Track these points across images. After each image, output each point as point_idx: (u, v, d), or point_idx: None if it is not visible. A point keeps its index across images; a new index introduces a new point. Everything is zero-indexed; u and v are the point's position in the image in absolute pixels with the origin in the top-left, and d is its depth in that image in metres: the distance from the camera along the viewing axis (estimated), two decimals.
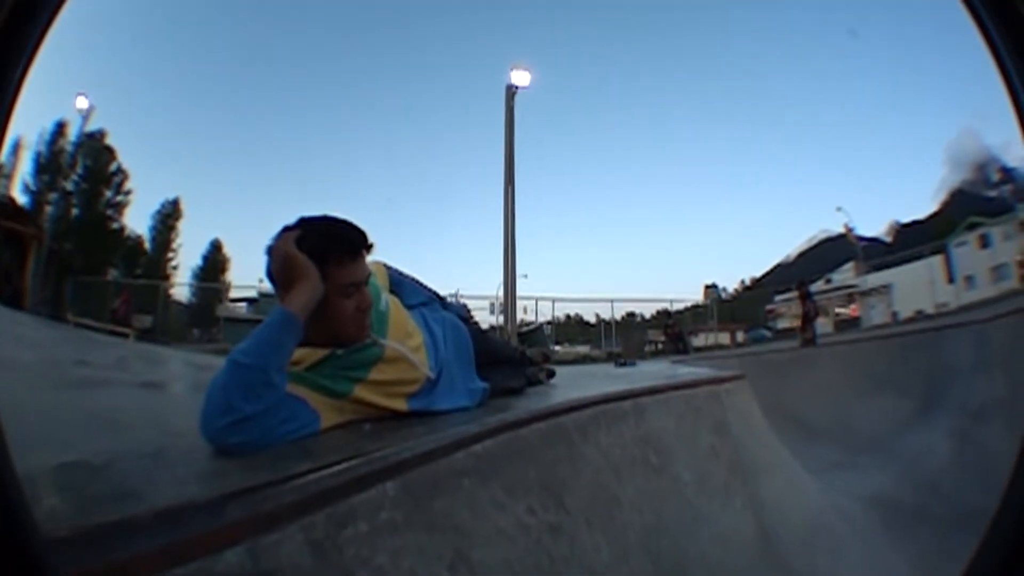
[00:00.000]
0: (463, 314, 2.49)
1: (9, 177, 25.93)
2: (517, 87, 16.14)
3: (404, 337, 1.88)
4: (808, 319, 14.01)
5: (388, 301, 1.95)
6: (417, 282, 2.43)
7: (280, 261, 1.54)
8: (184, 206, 36.85)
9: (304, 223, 1.64)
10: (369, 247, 1.70)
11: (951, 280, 25.76)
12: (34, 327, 5.12)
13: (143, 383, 2.91)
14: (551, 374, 3.04)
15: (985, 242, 31.01)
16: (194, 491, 1.01)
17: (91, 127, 28.55)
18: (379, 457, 1.19)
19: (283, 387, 1.41)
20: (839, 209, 57.41)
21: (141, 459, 1.30)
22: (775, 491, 3.24)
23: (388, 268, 2.34)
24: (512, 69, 16.24)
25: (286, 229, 1.62)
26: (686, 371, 4.19)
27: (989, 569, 0.76)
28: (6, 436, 0.65)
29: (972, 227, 32.71)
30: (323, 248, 1.57)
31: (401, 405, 1.81)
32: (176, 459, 1.29)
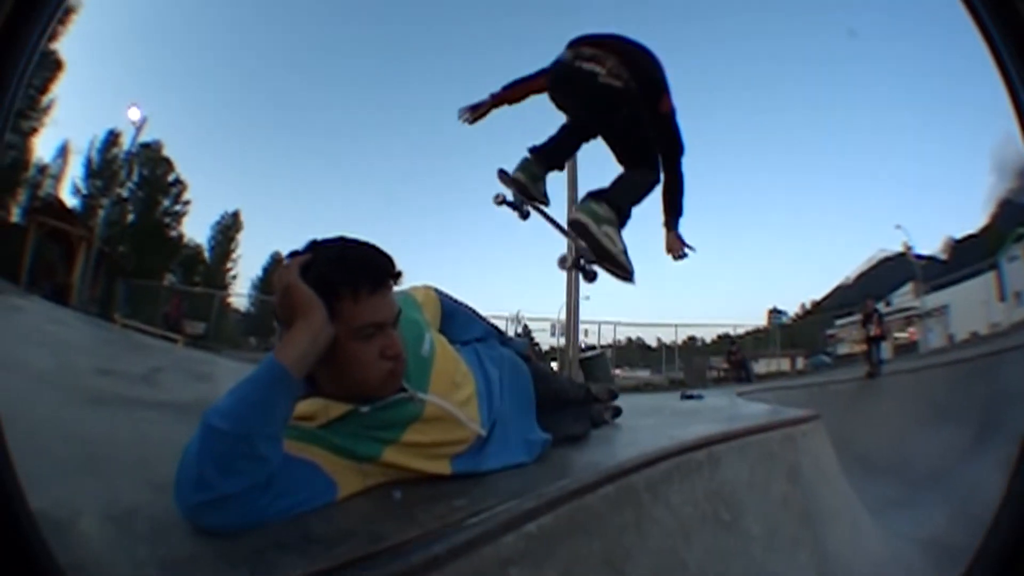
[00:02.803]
0: (524, 352, 2.09)
1: (57, 179, 26.98)
2: None
3: (451, 389, 1.53)
4: (874, 342, 13.15)
5: (433, 342, 1.59)
6: (473, 313, 2.06)
7: (279, 293, 1.22)
8: (244, 219, 37.46)
9: (314, 247, 1.33)
10: (396, 276, 1.36)
11: (1003, 298, 24.36)
12: (72, 326, 4.99)
13: (162, 402, 2.66)
14: (617, 412, 2.72)
15: None
16: None
17: (146, 138, 29.29)
18: (398, 557, 0.88)
19: (275, 458, 1.10)
20: (898, 227, 55.41)
21: (103, 522, 1.03)
22: (840, 541, 2.97)
23: (440, 295, 1.96)
24: None
25: (294, 255, 1.31)
26: (757, 408, 3.89)
27: (989, 569, 0.76)
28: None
29: (1020, 239, 30.90)
30: (332, 277, 1.24)
31: (443, 468, 1.47)
32: (144, 528, 1.01)
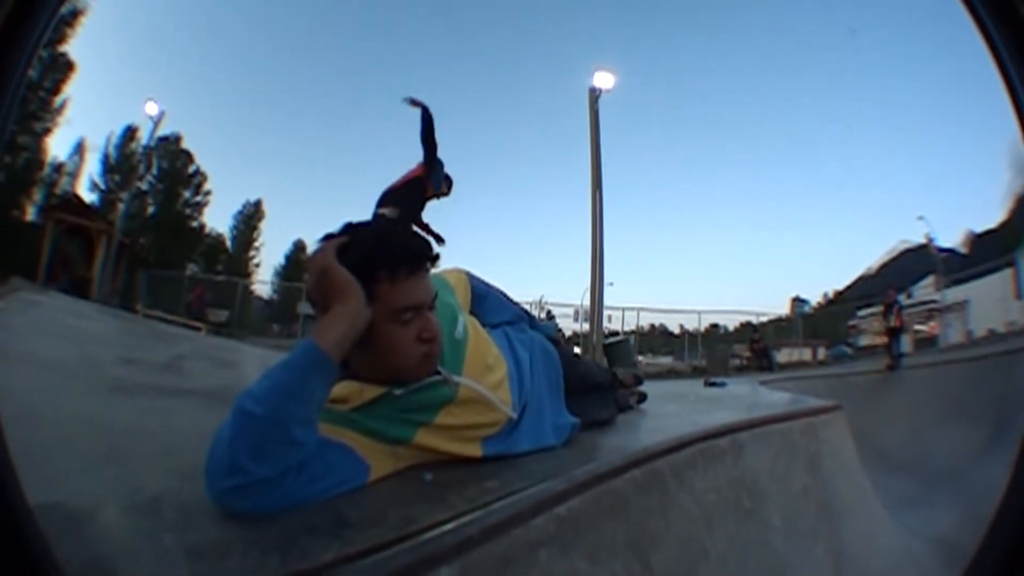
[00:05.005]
0: (553, 335, 2.08)
1: (74, 176, 27.43)
2: (601, 90, 15.59)
3: (483, 372, 1.52)
4: (895, 334, 12.96)
5: (466, 325, 1.57)
6: (504, 296, 2.04)
7: (315, 276, 1.20)
8: (267, 207, 37.49)
9: (350, 229, 1.32)
10: (433, 259, 1.36)
11: (1019, 295, 23.92)
12: (92, 317, 5.02)
13: (186, 390, 2.67)
14: (642, 398, 2.73)
15: None
16: None
17: (164, 131, 29.45)
18: (431, 539, 0.87)
19: (310, 443, 1.08)
20: (920, 218, 54.43)
21: (127, 511, 1.02)
22: (856, 535, 2.97)
23: (471, 278, 1.94)
24: (595, 71, 15.77)
25: (328, 237, 1.29)
26: (779, 397, 3.87)
27: (989, 569, 0.76)
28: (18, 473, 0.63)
29: None
30: (370, 260, 1.23)
31: (474, 450, 1.46)
32: (171, 516, 1.01)
